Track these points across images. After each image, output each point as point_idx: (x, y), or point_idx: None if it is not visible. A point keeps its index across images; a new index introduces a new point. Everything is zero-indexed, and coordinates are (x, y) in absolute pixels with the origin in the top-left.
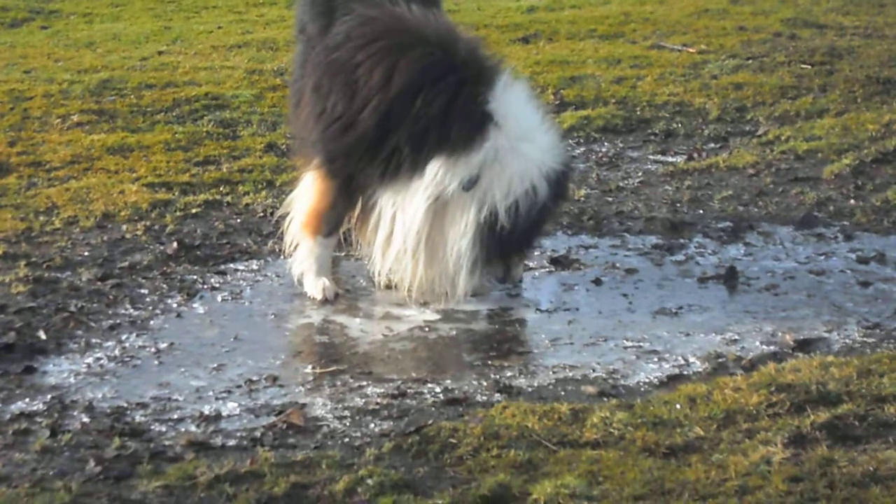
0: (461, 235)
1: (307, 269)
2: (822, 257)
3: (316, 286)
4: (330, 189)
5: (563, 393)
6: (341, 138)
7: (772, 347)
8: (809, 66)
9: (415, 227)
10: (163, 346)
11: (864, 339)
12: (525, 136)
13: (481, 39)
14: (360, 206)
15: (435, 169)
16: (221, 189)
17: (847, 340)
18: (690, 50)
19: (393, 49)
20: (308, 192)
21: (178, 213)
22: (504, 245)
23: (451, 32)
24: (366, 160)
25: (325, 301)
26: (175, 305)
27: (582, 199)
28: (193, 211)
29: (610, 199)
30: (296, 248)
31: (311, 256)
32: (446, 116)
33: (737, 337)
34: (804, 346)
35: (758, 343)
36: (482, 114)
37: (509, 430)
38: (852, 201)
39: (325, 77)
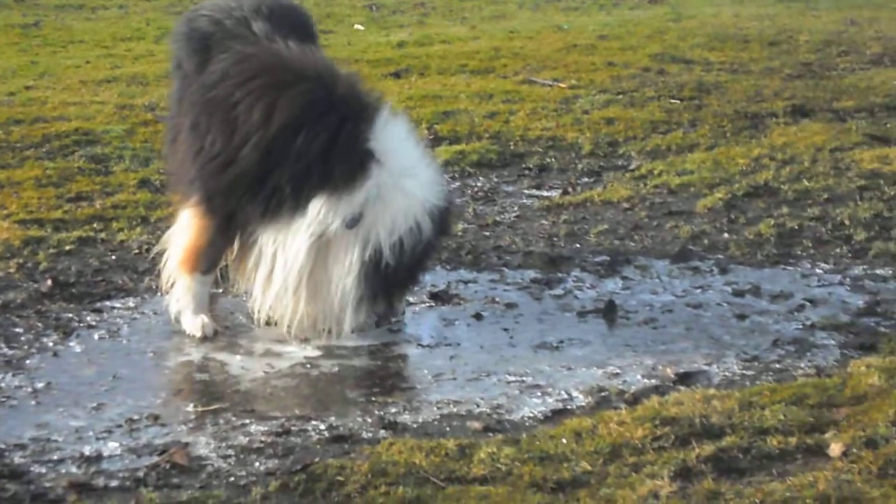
0: (346, 273)
1: (185, 307)
2: (699, 290)
3: (195, 323)
4: (208, 226)
5: (448, 429)
6: (220, 176)
7: (653, 381)
8: (679, 101)
9: (297, 265)
10: (40, 385)
11: (744, 371)
12: (407, 172)
13: (360, 75)
14: (239, 243)
15: (317, 207)
16: (95, 226)
17: (727, 373)
18: (561, 85)
19: (272, 86)
20: (186, 229)
21: (51, 251)
22: (389, 282)
23: (329, 69)
24: (246, 198)
25: (205, 338)
26: (51, 344)
27: (460, 233)
28: (67, 248)
29: (487, 233)
30: (173, 285)
31: (188, 294)
32: (328, 154)
33: (618, 371)
34: (685, 379)
35: (639, 376)
36: (364, 151)
37: (397, 467)
38: (726, 235)
39: (202, 115)
